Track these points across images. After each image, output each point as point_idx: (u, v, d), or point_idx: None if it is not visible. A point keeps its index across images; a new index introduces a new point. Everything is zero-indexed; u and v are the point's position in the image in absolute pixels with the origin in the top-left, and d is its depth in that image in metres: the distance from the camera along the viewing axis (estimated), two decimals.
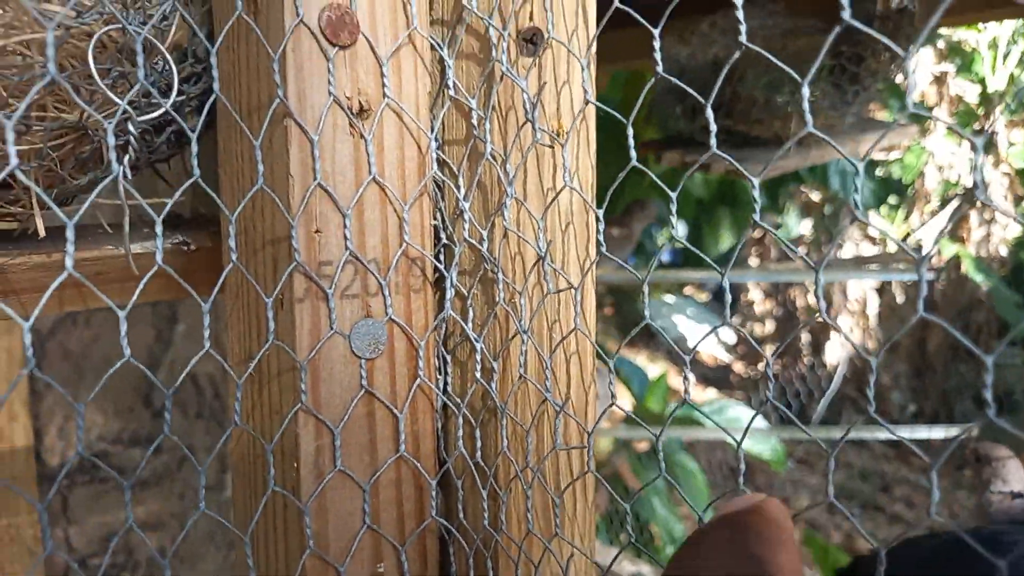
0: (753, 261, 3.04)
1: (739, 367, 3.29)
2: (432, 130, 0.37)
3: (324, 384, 0.35)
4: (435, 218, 0.39)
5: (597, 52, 0.38)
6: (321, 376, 0.35)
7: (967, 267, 2.72)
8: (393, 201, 0.36)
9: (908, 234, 2.85)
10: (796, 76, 0.26)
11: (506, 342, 0.38)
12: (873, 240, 2.87)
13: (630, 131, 0.32)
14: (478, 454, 0.38)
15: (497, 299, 0.37)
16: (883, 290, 2.93)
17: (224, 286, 0.38)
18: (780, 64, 0.27)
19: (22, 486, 0.97)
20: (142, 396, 1.12)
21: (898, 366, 2.92)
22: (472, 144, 0.37)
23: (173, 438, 0.30)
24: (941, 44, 2.63)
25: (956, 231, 2.72)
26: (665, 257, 3.63)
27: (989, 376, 0.24)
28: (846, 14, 0.25)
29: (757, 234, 3.11)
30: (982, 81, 2.60)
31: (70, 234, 0.25)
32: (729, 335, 3.36)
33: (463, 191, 0.38)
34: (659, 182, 0.33)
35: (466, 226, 0.37)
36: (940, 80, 2.63)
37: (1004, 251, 2.73)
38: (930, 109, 2.57)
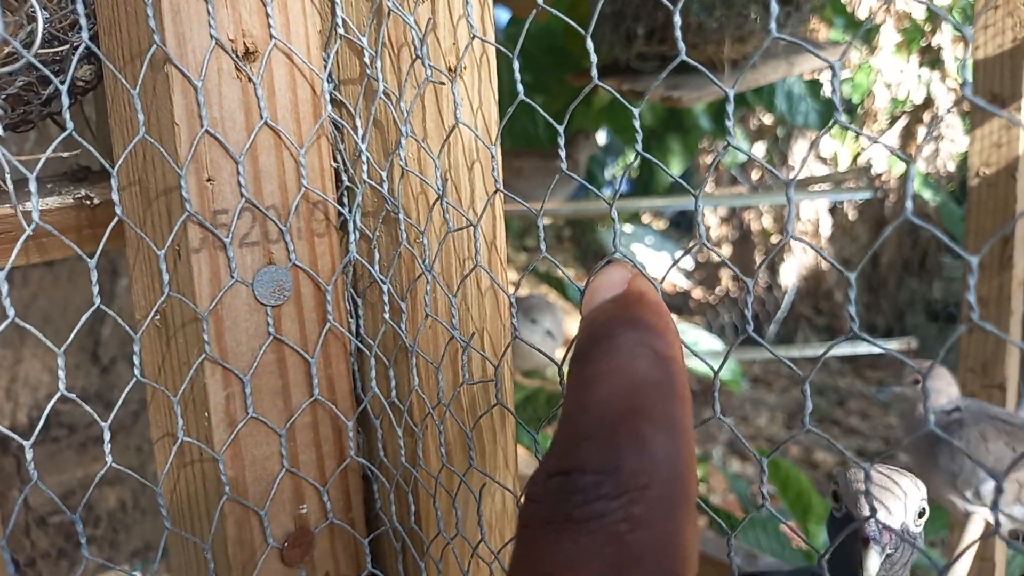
0: (708, 186, 3.06)
1: (698, 292, 3.33)
2: (325, 70, 0.37)
3: (229, 333, 0.35)
4: (335, 160, 0.38)
5: None
6: (225, 325, 0.35)
7: (916, 183, 2.76)
8: (289, 145, 0.36)
9: (859, 153, 2.88)
10: None
11: (412, 282, 0.38)
12: (824, 160, 2.90)
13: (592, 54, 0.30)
14: (393, 393, 0.39)
15: (401, 239, 0.37)
16: (834, 209, 2.97)
17: (127, 240, 0.38)
18: None
19: None
20: (88, 353, 1.11)
21: None
22: (367, 83, 0.37)
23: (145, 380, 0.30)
24: None
25: (905, 148, 2.75)
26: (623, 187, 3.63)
27: (973, 277, 0.23)
28: None
29: (710, 159, 3.12)
30: None
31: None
32: (687, 261, 3.39)
33: (361, 132, 0.37)
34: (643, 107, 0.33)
35: (365, 167, 0.37)
36: None
37: (952, 167, 2.77)
38: (877, 27, 2.56)
